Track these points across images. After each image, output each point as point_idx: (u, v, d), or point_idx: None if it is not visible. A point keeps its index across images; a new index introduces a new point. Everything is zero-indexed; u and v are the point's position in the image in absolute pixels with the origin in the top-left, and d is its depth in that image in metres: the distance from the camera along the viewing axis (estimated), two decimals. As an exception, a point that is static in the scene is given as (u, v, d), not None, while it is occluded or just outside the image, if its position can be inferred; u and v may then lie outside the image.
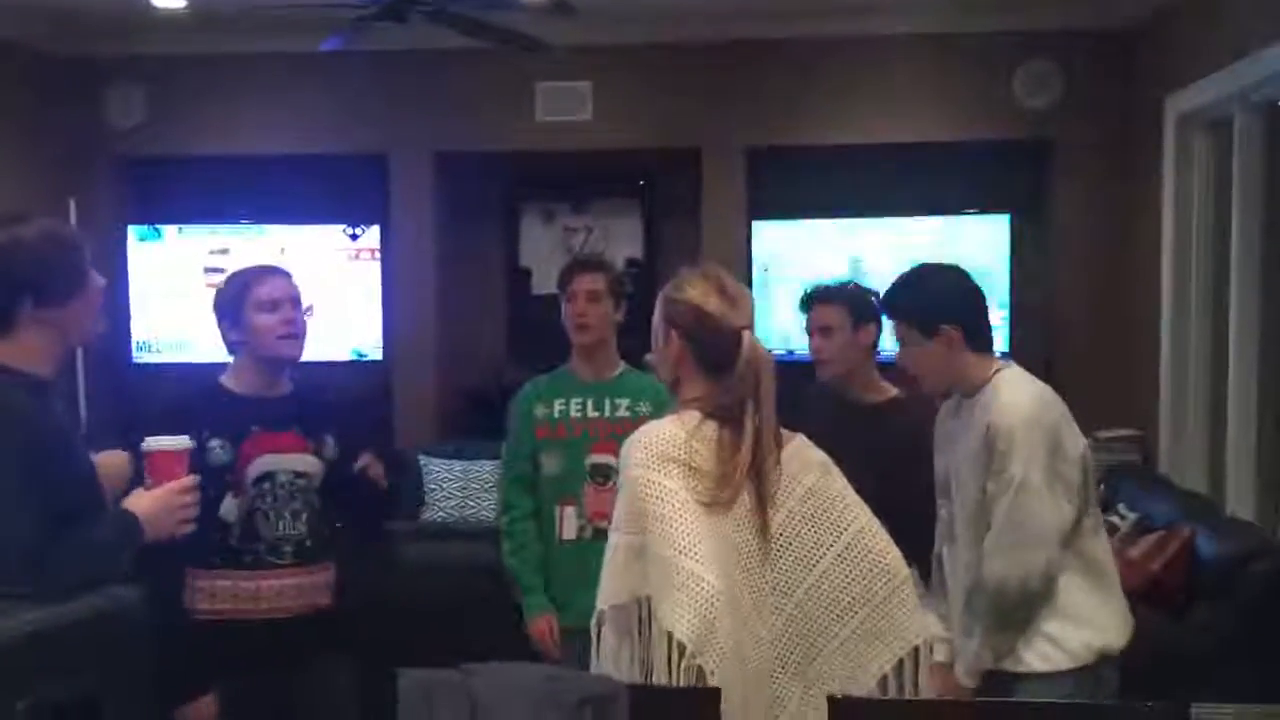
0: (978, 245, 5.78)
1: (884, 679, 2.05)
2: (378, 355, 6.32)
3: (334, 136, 6.18)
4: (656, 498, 2.00)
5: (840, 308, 3.14)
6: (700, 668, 1.90)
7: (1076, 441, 2.58)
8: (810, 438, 2.22)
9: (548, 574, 3.28)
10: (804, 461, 2.14)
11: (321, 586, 2.87)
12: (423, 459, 5.77)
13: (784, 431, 2.15)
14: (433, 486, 5.67)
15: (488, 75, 5.99)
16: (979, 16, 5.76)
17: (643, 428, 2.12)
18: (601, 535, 2.17)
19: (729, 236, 6.07)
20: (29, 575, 1.88)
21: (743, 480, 2.05)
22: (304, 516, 2.82)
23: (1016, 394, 2.59)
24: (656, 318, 2.21)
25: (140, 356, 6.24)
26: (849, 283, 3.29)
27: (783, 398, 2.13)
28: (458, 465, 5.68)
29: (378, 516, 3.46)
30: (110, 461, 2.46)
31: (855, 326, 3.13)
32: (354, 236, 6.29)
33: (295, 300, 2.85)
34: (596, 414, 3.26)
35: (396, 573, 4.77)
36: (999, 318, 5.22)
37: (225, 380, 2.87)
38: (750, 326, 2.13)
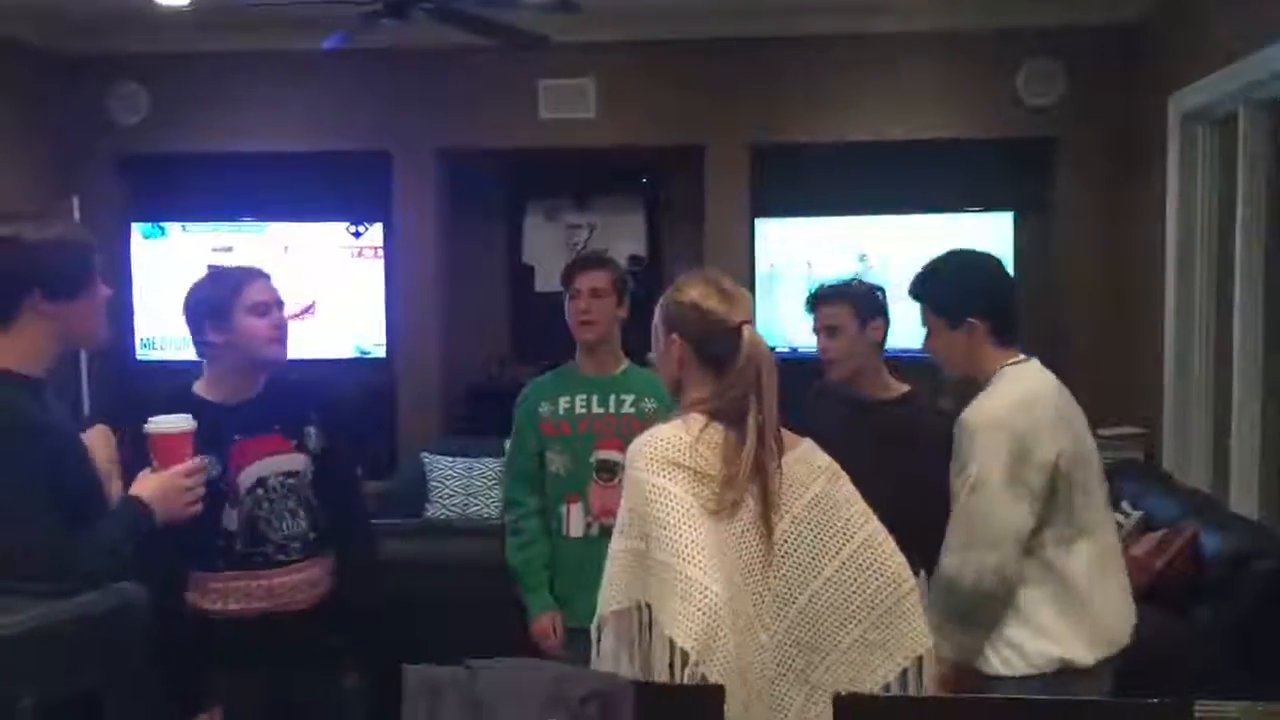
0: (982, 243, 5.74)
1: (887, 687, 2.05)
2: (381, 353, 6.32)
3: (337, 134, 6.18)
4: (659, 503, 1.99)
5: (846, 306, 3.13)
6: (703, 675, 1.90)
7: (1050, 450, 2.52)
8: (820, 436, 2.21)
9: (554, 571, 3.27)
10: (810, 467, 2.13)
11: (325, 577, 2.88)
12: (426, 456, 5.77)
13: (791, 435, 2.15)
14: (436, 484, 5.67)
15: (491, 73, 5.99)
16: (983, 15, 5.75)
17: (647, 432, 2.11)
18: (608, 533, 2.16)
19: (732, 234, 6.07)
20: (58, 576, 1.88)
21: (746, 480, 2.04)
22: (301, 513, 2.81)
23: (994, 394, 2.59)
24: (656, 322, 2.21)
25: (143, 354, 6.25)
26: (854, 280, 3.27)
27: (789, 397, 2.13)
28: (461, 463, 5.68)
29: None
30: (94, 441, 2.46)
31: (862, 324, 3.12)
32: (357, 234, 6.30)
33: (281, 303, 2.83)
34: (602, 410, 3.25)
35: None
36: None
37: (199, 389, 2.79)
38: (750, 321, 2.13)
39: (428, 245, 6.27)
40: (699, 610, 1.91)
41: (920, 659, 2.06)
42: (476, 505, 5.58)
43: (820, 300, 3.19)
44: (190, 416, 2.40)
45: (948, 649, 2.55)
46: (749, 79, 6.01)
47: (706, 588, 1.93)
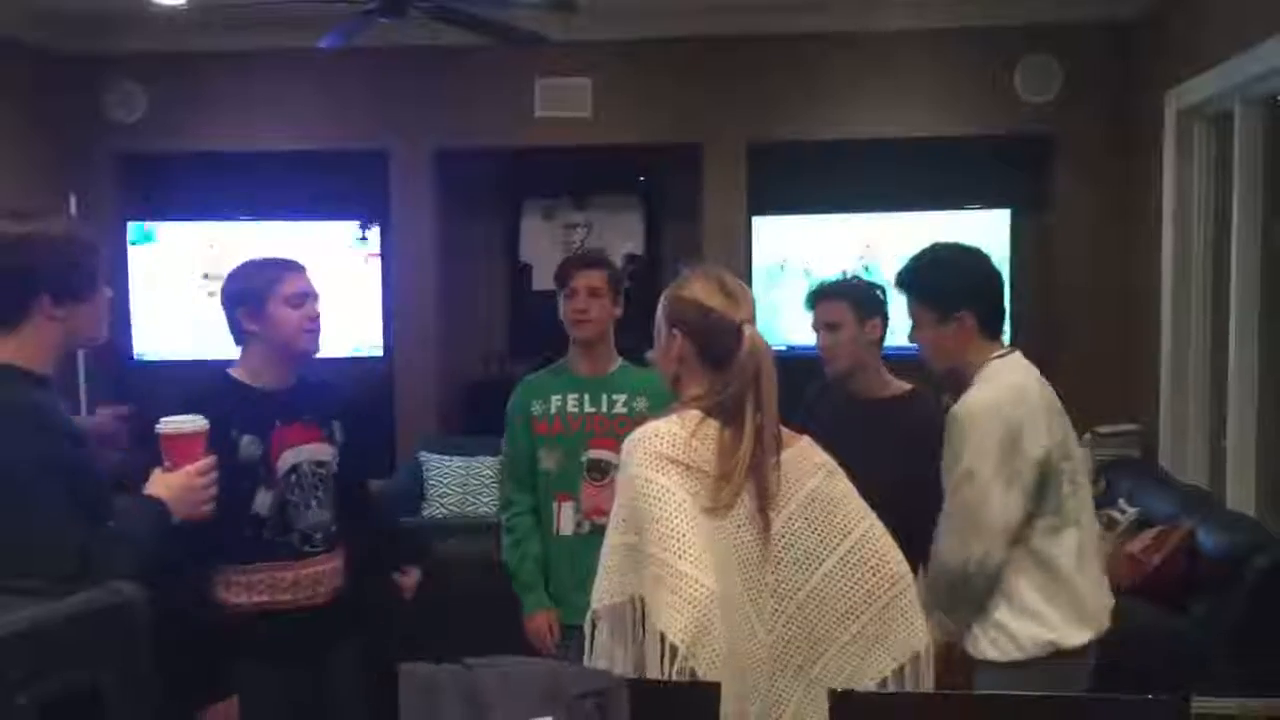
0: (978, 240, 5.73)
1: (884, 683, 2.05)
2: (378, 351, 6.32)
3: (334, 133, 6.18)
4: (653, 497, 2.00)
5: (845, 303, 3.13)
6: (693, 670, 1.90)
7: (1039, 441, 2.54)
8: (819, 434, 2.22)
9: (546, 569, 3.28)
10: (808, 464, 2.13)
11: (342, 571, 2.92)
12: (423, 455, 5.77)
13: (789, 433, 2.15)
14: (433, 483, 5.67)
15: (487, 71, 5.99)
16: (979, 11, 5.76)
17: (643, 427, 2.12)
18: (599, 531, 2.16)
19: (730, 232, 6.07)
20: (83, 574, 1.88)
21: (743, 479, 2.04)
22: (327, 503, 2.86)
23: (985, 385, 2.60)
24: (659, 317, 2.21)
25: (140, 353, 6.24)
26: (853, 278, 3.27)
27: (786, 394, 2.13)
28: (458, 461, 5.69)
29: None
30: (100, 427, 2.47)
31: (861, 321, 3.12)
32: (364, 238, 6.29)
33: (316, 296, 2.87)
34: (593, 409, 3.26)
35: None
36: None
37: (236, 374, 2.85)
38: (751, 320, 2.13)
39: (425, 244, 6.27)
40: (689, 604, 1.91)
41: (918, 655, 2.07)
42: (473, 504, 5.58)
43: (820, 297, 3.19)
44: (202, 417, 2.40)
45: (934, 630, 2.57)
46: (746, 77, 6.01)
47: (697, 581, 1.93)
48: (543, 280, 6.55)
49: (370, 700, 2.91)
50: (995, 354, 2.66)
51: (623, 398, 3.24)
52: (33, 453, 2.03)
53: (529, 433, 3.29)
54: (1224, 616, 3.92)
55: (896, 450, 2.84)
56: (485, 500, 5.52)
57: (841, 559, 2.07)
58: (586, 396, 3.26)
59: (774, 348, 2.17)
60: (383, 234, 6.27)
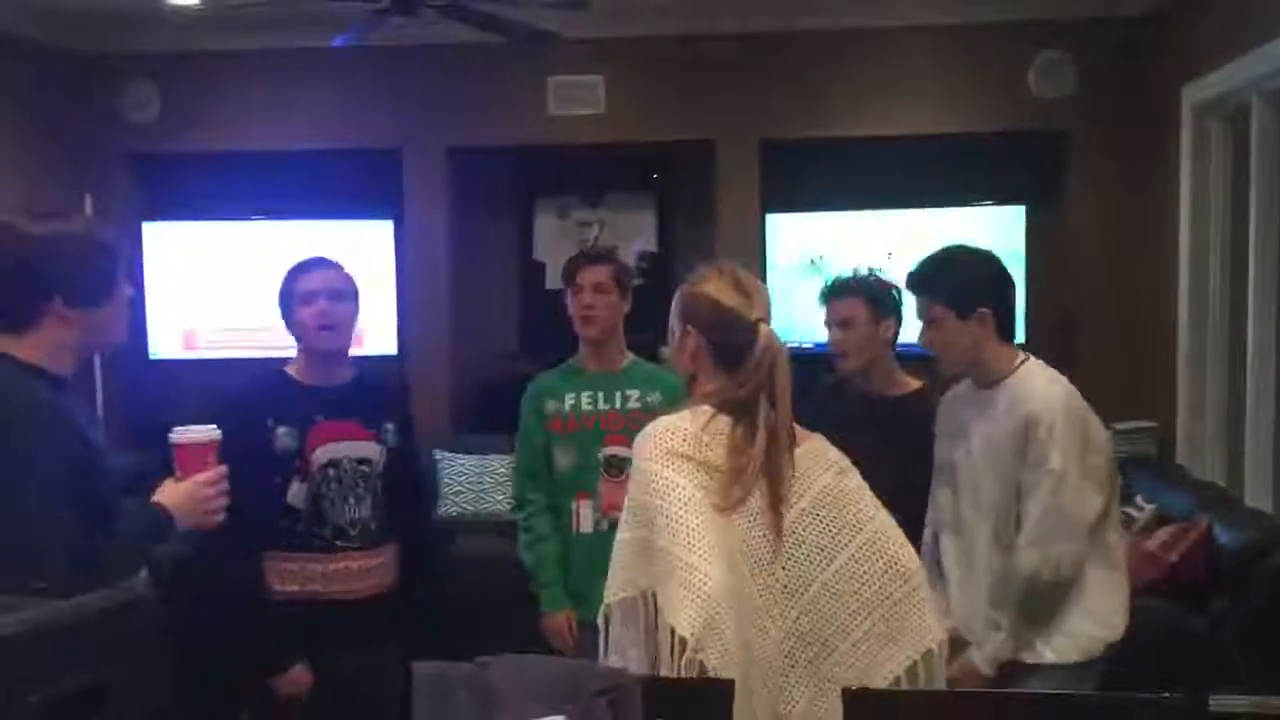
0: (993, 237, 5.72)
1: (896, 681, 2.04)
2: (391, 350, 6.32)
3: (347, 132, 6.18)
4: (663, 492, 2.00)
5: (861, 300, 3.11)
6: (702, 663, 1.90)
7: (1101, 433, 2.59)
8: (830, 430, 2.21)
9: (566, 567, 3.27)
10: (820, 461, 2.12)
11: (385, 569, 2.93)
12: (437, 454, 5.77)
13: (801, 430, 2.14)
14: (447, 481, 5.68)
15: (500, 69, 5.98)
16: (993, 8, 5.73)
17: (654, 422, 2.12)
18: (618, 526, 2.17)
19: (743, 230, 6.05)
20: (79, 574, 1.88)
21: (755, 476, 2.03)
22: (368, 501, 2.90)
23: (1052, 385, 2.59)
24: (673, 314, 2.21)
25: (157, 353, 6.25)
26: (869, 276, 3.26)
27: (798, 391, 2.12)
28: (472, 460, 5.69)
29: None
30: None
31: (876, 320, 3.11)
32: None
33: (333, 292, 2.89)
34: (607, 406, 3.26)
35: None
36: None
37: (289, 369, 2.95)
38: (766, 319, 2.13)
39: (438, 242, 6.27)
40: (698, 598, 1.91)
41: (930, 652, 2.06)
42: (487, 503, 5.59)
43: (835, 293, 3.17)
44: (215, 427, 2.41)
45: (1009, 649, 2.56)
46: (759, 74, 6.00)
47: (706, 575, 1.93)
48: (556, 279, 6.53)
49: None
50: (1020, 358, 2.66)
51: (636, 393, 3.24)
52: (29, 450, 2.02)
53: (543, 431, 3.29)
54: (1241, 614, 3.90)
55: (910, 448, 2.83)
56: (499, 499, 5.53)
57: (853, 556, 2.06)
58: (600, 393, 3.26)
59: (787, 345, 2.16)
60: (396, 233, 6.27)
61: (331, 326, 2.87)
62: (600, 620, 2.07)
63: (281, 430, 2.82)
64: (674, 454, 2.03)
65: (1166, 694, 1.81)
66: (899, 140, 5.99)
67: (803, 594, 2.05)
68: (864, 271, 3.23)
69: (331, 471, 2.85)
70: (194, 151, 6.26)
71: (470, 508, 5.60)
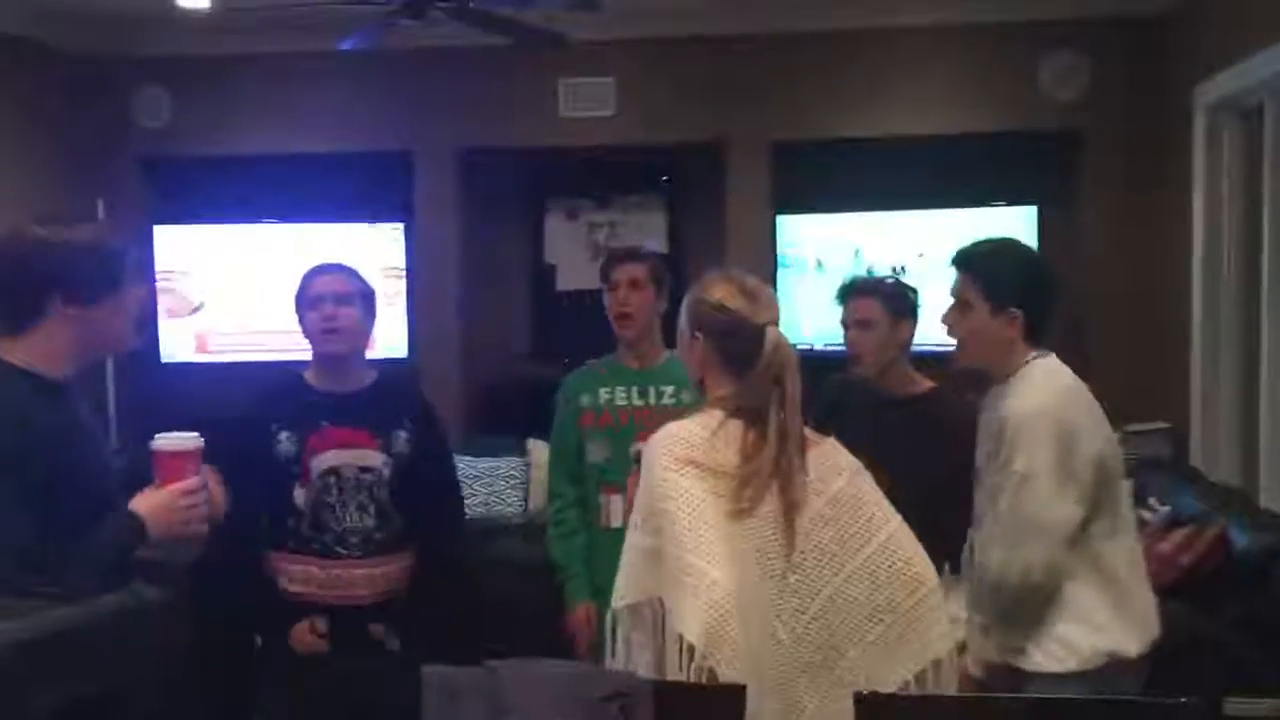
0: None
1: (905, 688, 2.03)
2: (402, 353, 6.33)
3: (358, 135, 6.19)
4: (672, 498, 1.99)
5: (879, 302, 3.10)
6: (711, 669, 1.89)
7: (1094, 443, 2.51)
8: (842, 431, 2.20)
9: (593, 561, 3.28)
10: (833, 465, 2.11)
11: (393, 577, 2.91)
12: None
13: (813, 434, 2.14)
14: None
15: (510, 72, 5.99)
16: (1005, 8, 5.72)
17: (664, 428, 2.11)
18: None
19: (754, 231, 6.05)
20: (30, 577, 1.87)
21: (766, 481, 2.03)
22: (371, 510, 2.87)
23: (1035, 387, 2.55)
24: (681, 321, 2.21)
25: (169, 356, 6.26)
26: (888, 277, 3.25)
27: (809, 391, 2.12)
28: (483, 462, 5.68)
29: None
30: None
31: (893, 322, 3.10)
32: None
33: (338, 296, 2.88)
34: (641, 402, 3.28)
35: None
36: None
37: (306, 374, 2.96)
38: (775, 322, 2.12)
39: (449, 244, 6.27)
40: (706, 604, 1.91)
41: (939, 661, 2.04)
42: (498, 505, 5.58)
43: (853, 293, 3.16)
44: (198, 435, 2.35)
45: (991, 650, 2.53)
46: (769, 75, 5.99)
47: (714, 581, 1.92)
48: (567, 280, 6.55)
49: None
50: (1029, 356, 2.62)
51: (670, 389, 3.26)
52: None
53: (576, 425, 3.31)
54: (1257, 616, 3.87)
55: (923, 449, 2.82)
56: (510, 501, 5.52)
57: (865, 562, 2.05)
58: (635, 389, 3.29)
59: (797, 348, 2.15)
60: (407, 235, 6.27)
61: (335, 331, 2.86)
62: (607, 626, 2.07)
63: (284, 435, 2.82)
64: (682, 460, 2.02)
65: (1181, 698, 1.79)
66: (910, 141, 5.98)
67: (813, 599, 2.04)
68: (884, 273, 3.21)
69: (333, 479, 2.84)
70: (206, 155, 6.28)
71: (480, 510, 5.59)
